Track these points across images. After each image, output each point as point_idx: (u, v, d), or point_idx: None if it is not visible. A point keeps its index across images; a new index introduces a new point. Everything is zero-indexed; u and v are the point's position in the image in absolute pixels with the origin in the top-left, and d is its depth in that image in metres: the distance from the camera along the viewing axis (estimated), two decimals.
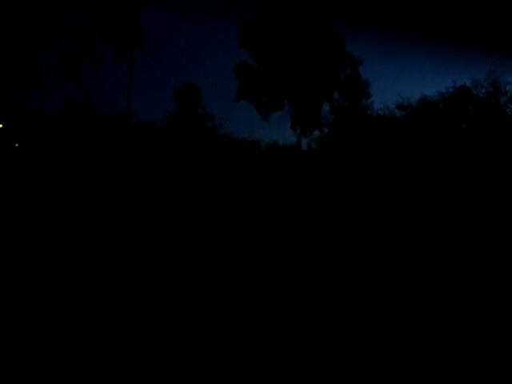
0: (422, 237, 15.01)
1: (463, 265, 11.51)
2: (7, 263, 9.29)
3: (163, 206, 20.23)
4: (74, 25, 22.36)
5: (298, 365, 5.83)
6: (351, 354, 6.18)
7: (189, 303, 7.71)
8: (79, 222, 14.90)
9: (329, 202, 23.29)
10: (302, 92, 32.88)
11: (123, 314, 7.06)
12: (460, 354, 6.38)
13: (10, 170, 24.16)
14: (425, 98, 27.70)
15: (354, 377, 5.74)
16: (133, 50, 26.01)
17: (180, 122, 34.04)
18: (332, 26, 31.19)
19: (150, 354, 5.87)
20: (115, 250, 11.18)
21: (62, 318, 6.77)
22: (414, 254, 12.66)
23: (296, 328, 6.93)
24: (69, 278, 8.68)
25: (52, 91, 30.94)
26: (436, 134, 26.07)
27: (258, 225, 16.59)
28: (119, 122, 31.30)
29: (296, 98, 32.91)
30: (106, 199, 20.40)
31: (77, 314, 6.95)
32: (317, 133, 33.29)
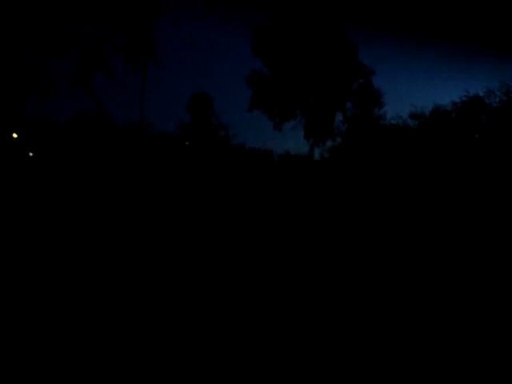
0: (435, 243, 14.96)
1: (480, 270, 11.46)
2: (22, 264, 9.45)
3: (177, 213, 20.35)
4: (88, 36, 22.62)
5: (297, 364, 5.84)
6: (351, 354, 6.18)
7: (195, 301, 7.76)
8: (91, 228, 15.06)
9: (342, 211, 23.22)
10: (315, 102, 32.94)
11: (123, 312, 7.12)
12: (459, 353, 6.36)
13: (24, 179, 24.47)
14: (438, 107, 27.65)
15: (353, 376, 5.74)
16: (146, 62, 26.22)
17: (193, 131, 34.34)
18: (345, 36, 31.25)
19: (149, 352, 5.93)
20: (131, 255, 11.29)
21: (63, 316, 6.84)
22: (426, 258, 12.62)
23: (297, 326, 6.95)
24: (86, 275, 8.82)
25: (66, 101, 31.36)
26: (449, 143, 25.94)
27: (270, 233, 16.61)
28: (133, 131, 31.59)
29: (309, 107, 32.97)
30: (119, 207, 20.56)
31: (79, 312, 7.03)
32: (329, 142, 33.35)
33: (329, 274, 11.13)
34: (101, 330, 6.80)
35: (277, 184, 29.34)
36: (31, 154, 27.78)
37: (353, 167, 29.22)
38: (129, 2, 23.53)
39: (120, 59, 24.58)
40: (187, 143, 32.71)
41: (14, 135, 27.70)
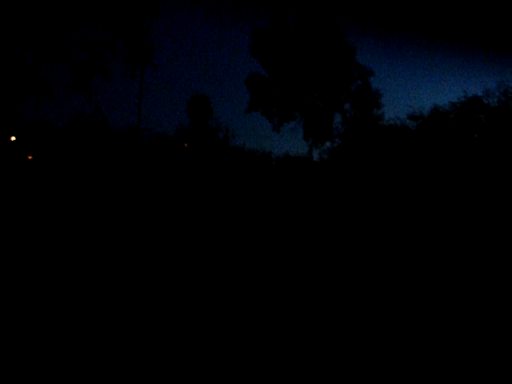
0: (434, 242, 14.95)
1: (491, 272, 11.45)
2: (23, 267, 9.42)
3: (176, 214, 20.33)
4: (86, 40, 22.64)
5: (297, 363, 5.82)
6: (351, 353, 6.15)
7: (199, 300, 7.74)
8: (91, 228, 15.05)
9: (341, 211, 23.22)
10: (313, 103, 33.00)
11: (124, 312, 7.10)
12: (459, 352, 6.33)
13: (23, 182, 24.45)
14: (436, 108, 27.58)
15: (354, 376, 5.72)
16: (144, 65, 26.21)
17: (192, 133, 34.37)
18: (342, 39, 31.35)
19: (149, 352, 5.90)
20: (132, 256, 11.27)
21: (65, 316, 6.82)
22: (425, 256, 12.60)
23: (299, 324, 6.92)
24: (90, 273, 8.79)
25: (64, 105, 31.40)
26: (448, 144, 25.91)
27: (269, 233, 16.59)
28: (131, 133, 31.60)
29: (308, 109, 33.03)
30: (118, 208, 20.54)
31: (81, 312, 7.00)
32: (328, 144, 33.36)
33: (328, 272, 11.11)
34: (100, 329, 6.78)
35: (276, 185, 29.34)
36: (30, 157, 27.77)
37: (352, 168, 29.20)
38: (126, 5, 23.59)
39: (118, 63, 24.61)
40: (186, 145, 32.72)
41: (13, 138, 27.69)
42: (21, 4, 20.59)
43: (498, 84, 25.51)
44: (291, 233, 17.64)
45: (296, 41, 32.06)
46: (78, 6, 21.32)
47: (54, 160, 27.72)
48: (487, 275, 11.40)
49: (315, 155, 33.97)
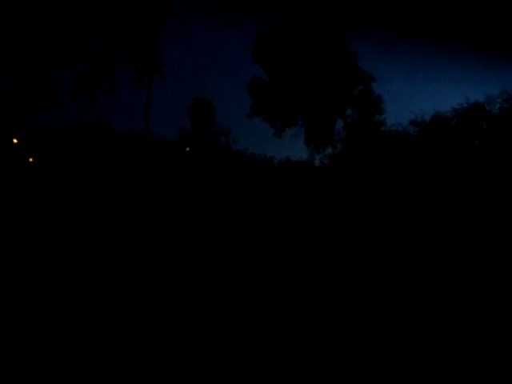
0: (435, 248, 14.94)
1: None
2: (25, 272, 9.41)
3: (178, 219, 20.32)
4: (91, 47, 22.53)
5: (297, 364, 5.80)
6: (351, 353, 6.13)
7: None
8: (93, 231, 15.03)
9: (343, 217, 23.20)
10: (315, 108, 32.98)
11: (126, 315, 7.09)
12: (459, 353, 6.32)
13: (24, 184, 24.45)
14: (438, 114, 27.57)
15: (353, 376, 5.70)
16: (151, 75, 26.10)
17: (193, 137, 34.34)
18: (344, 44, 31.37)
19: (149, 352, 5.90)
20: (133, 260, 11.25)
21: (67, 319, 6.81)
22: (426, 263, 12.59)
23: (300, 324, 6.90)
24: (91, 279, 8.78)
25: (68, 110, 31.43)
26: (450, 150, 25.90)
27: (271, 238, 16.58)
28: (133, 138, 31.61)
29: (309, 114, 33.01)
30: (120, 211, 20.54)
31: (84, 314, 6.99)
32: (330, 149, 33.32)
33: (328, 277, 11.11)
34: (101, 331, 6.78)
35: (277, 190, 29.31)
36: (31, 160, 27.79)
37: (353, 174, 29.17)
38: (134, 15, 23.57)
39: (124, 69, 24.58)
40: (188, 149, 32.72)
41: (14, 140, 27.72)
42: (27, 10, 20.59)
43: (500, 91, 25.56)
44: (292, 237, 17.63)
45: (298, 46, 32.09)
46: (84, 15, 21.29)
47: (56, 162, 27.72)
48: (482, 276, 11.41)
49: (317, 160, 33.91)
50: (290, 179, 31.18)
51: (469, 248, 15.87)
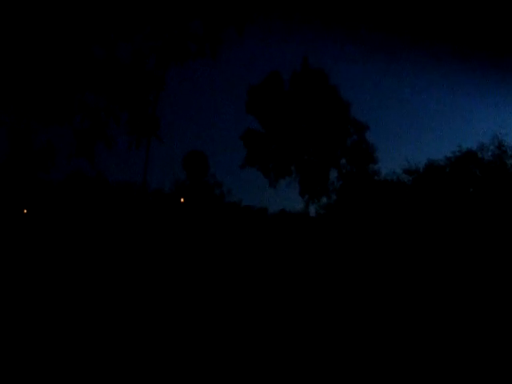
0: (432, 296, 14.77)
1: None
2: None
3: (172, 270, 20.10)
4: (90, 107, 22.71)
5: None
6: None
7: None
8: (88, 279, 14.86)
9: (338, 267, 22.97)
10: (309, 158, 33.24)
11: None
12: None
13: (17, 235, 24.37)
14: (431, 162, 27.77)
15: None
16: (149, 138, 26.31)
17: (188, 189, 34.44)
18: (337, 94, 31.89)
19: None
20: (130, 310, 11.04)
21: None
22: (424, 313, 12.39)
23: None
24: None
25: (65, 162, 31.66)
26: (444, 198, 25.96)
27: (265, 290, 16.36)
28: (129, 190, 31.74)
29: (303, 164, 33.23)
30: (113, 262, 20.38)
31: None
32: (325, 199, 33.40)
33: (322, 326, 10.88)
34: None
35: (272, 241, 29.14)
36: (25, 211, 27.76)
37: (349, 224, 29.11)
38: (133, 79, 23.96)
39: (122, 130, 24.84)
40: (182, 200, 32.73)
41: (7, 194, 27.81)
42: (26, 69, 20.89)
43: (492, 137, 25.79)
44: (287, 287, 17.42)
45: (291, 96, 32.63)
46: (84, 76, 21.60)
47: (50, 214, 27.66)
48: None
49: (312, 210, 33.96)
50: (285, 230, 31.06)
51: (465, 290, 15.68)
